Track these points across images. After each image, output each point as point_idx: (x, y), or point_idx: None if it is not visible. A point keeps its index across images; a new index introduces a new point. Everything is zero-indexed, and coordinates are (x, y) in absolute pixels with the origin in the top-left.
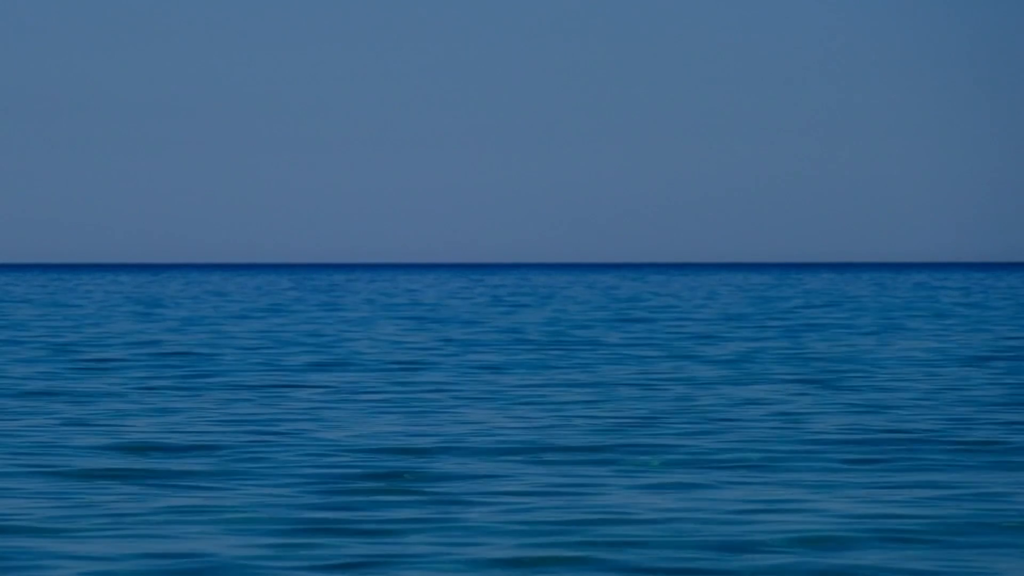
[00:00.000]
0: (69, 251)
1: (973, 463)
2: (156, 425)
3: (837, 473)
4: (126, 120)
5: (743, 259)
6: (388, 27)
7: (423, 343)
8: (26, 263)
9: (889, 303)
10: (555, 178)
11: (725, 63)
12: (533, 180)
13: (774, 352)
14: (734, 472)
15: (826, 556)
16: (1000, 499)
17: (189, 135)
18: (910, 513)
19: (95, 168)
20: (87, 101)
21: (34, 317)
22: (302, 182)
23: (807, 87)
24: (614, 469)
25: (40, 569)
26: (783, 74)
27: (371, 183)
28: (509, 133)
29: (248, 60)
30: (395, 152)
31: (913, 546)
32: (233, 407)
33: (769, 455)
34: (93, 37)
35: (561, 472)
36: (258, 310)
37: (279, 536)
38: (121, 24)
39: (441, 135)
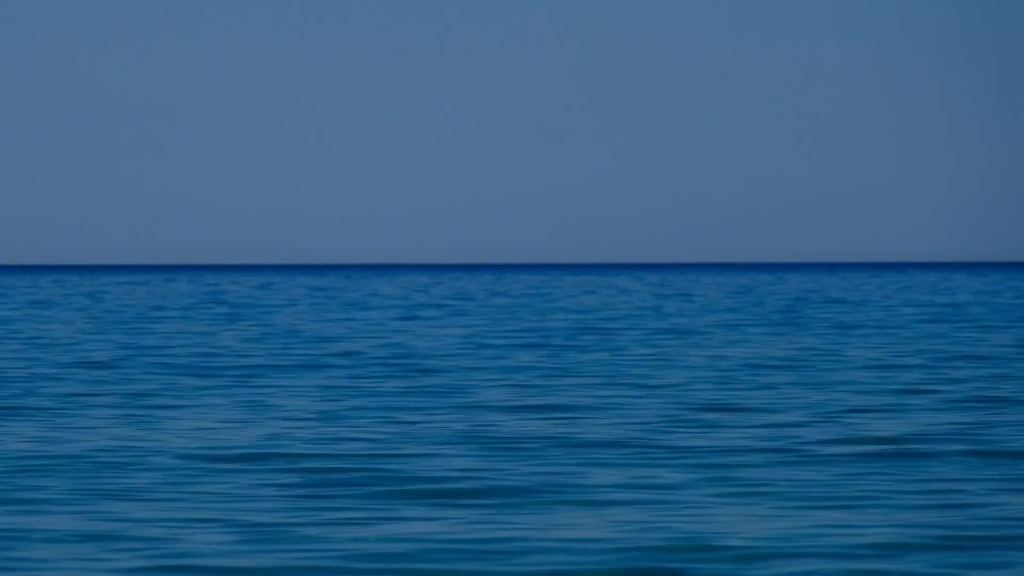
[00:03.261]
0: (66, 252)
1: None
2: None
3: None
4: (124, 120)
5: (743, 259)
6: (388, 28)
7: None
8: (26, 264)
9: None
10: (552, 178)
11: (724, 63)
12: (529, 181)
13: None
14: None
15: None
16: None
17: (187, 136)
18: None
19: (93, 168)
20: (86, 101)
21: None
22: (300, 183)
23: (805, 87)
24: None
25: None
26: (782, 74)
27: (368, 184)
28: (508, 134)
29: (247, 61)
30: (393, 153)
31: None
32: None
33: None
34: (92, 37)
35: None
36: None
37: None
38: (120, 24)
39: (440, 136)
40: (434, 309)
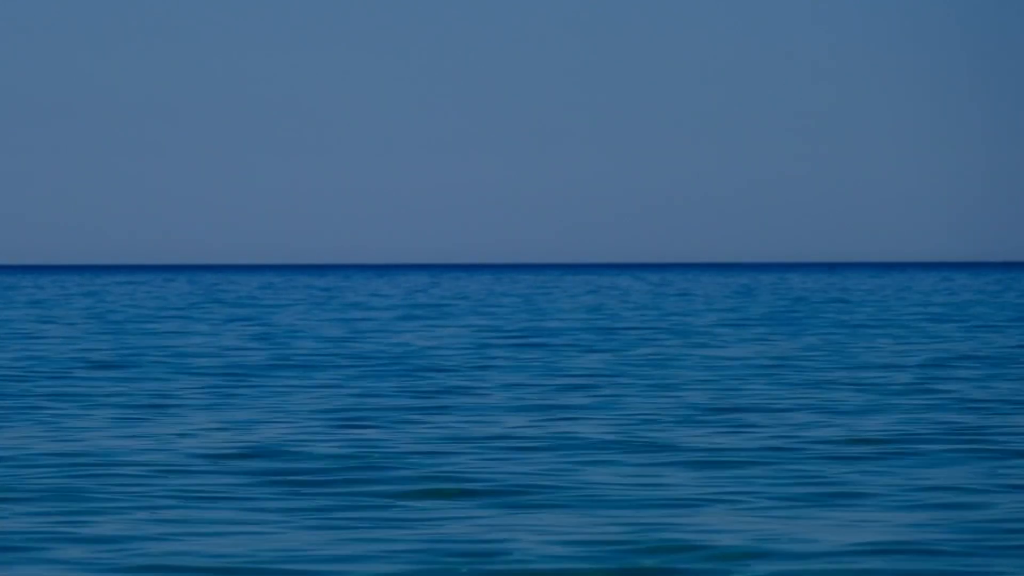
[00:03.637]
0: (66, 252)
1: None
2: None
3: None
4: (124, 120)
5: (743, 259)
6: (386, 28)
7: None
8: (29, 264)
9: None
10: (552, 178)
11: (724, 63)
12: (529, 181)
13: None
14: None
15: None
16: None
17: (187, 136)
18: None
19: (93, 168)
20: (86, 101)
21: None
22: (300, 184)
23: (805, 87)
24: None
25: None
26: (780, 73)
27: (368, 184)
28: (507, 134)
29: (247, 61)
30: (393, 153)
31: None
32: None
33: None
34: (92, 37)
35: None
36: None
37: None
38: (120, 24)
39: (440, 136)
40: (434, 309)
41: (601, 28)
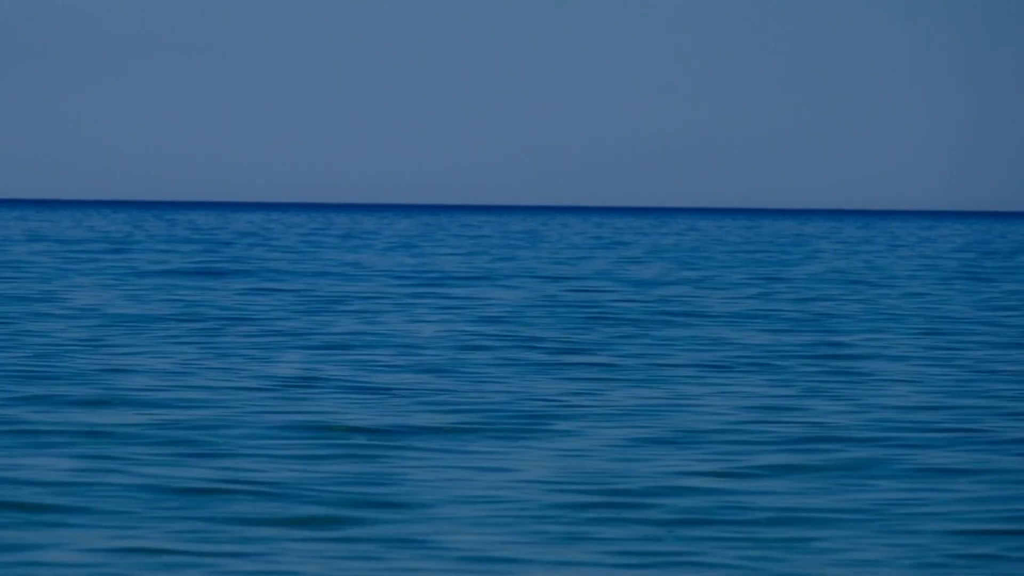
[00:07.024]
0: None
1: None
2: None
3: None
4: (135, 53)
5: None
6: None
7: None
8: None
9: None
10: (554, 123)
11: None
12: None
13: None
14: None
15: None
16: None
17: (199, 71)
18: None
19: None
20: (89, 33)
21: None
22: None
23: (791, 39)
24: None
25: None
26: (771, 25)
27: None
28: (512, 77)
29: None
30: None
31: None
32: None
33: None
34: None
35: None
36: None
37: None
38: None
39: (447, 79)
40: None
41: None
